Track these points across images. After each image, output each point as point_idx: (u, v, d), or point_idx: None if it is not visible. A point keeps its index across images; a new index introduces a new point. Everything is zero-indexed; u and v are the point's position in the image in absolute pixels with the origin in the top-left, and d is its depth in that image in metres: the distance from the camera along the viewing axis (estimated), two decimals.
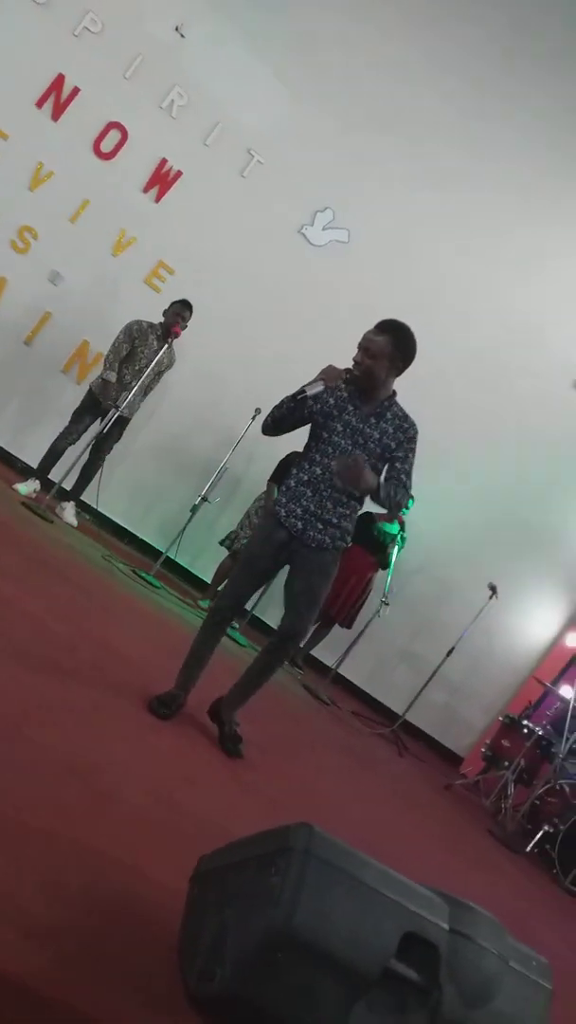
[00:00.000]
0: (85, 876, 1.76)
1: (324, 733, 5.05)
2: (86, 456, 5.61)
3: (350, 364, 3.04)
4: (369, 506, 3.41)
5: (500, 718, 6.41)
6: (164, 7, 6.23)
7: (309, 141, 6.48)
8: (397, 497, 3.01)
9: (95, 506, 6.01)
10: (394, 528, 6.16)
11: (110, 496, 6.08)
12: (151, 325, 5.68)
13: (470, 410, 6.92)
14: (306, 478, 3.06)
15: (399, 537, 6.14)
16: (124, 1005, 1.48)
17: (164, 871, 1.95)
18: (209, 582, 6.21)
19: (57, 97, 6.14)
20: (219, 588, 5.93)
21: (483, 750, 6.28)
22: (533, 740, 5.82)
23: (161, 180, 6.39)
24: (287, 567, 3.16)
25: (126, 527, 6.52)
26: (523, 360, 6.97)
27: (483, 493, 6.97)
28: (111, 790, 2.21)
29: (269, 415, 3.09)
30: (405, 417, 3.07)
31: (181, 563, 6.40)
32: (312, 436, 3.10)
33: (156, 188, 6.39)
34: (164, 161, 6.37)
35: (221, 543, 6.05)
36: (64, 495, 5.68)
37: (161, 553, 5.87)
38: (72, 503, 5.74)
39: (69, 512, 5.70)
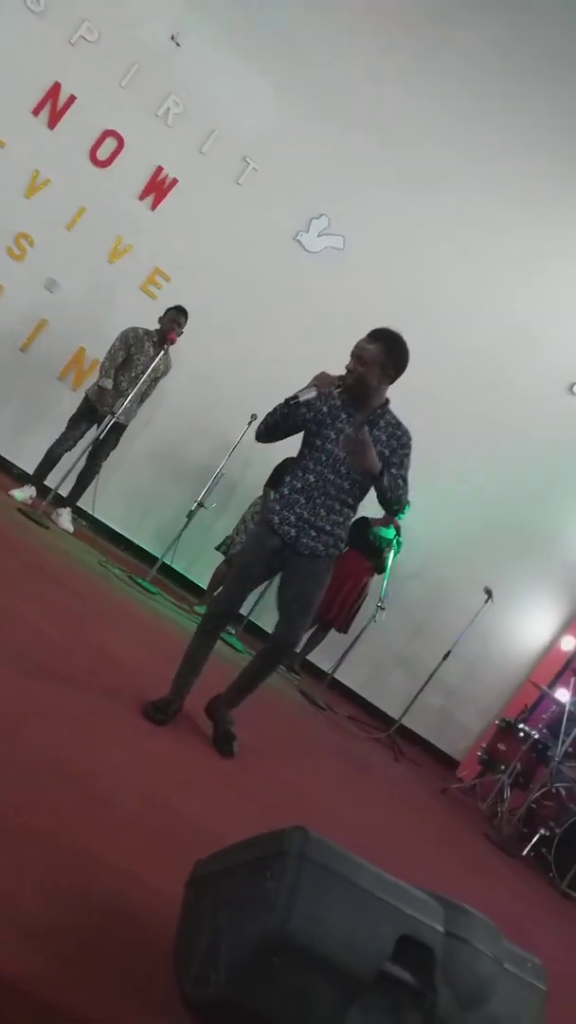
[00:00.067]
0: (81, 880, 1.76)
1: (320, 738, 5.05)
2: (82, 462, 5.62)
3: (343, 371, 3.05)
4: (364, 510, 3.43)
5: (496, 722, 6.42)
6: (160, 16, 6.26)
7: (304, 148, 6.51)
8: (398, 491, 3.02)
9: (91, 512, 6.03)
10: (390, 533, 6.17)
11: (106, 502, 6.09)
12: (147, 332, 5.70)
13: (466, 415, 6.94)
14: (299, 485, 3.08)
15: (395, 541, 6.16)
16: (121, 1008, 1.49)
17: (160, 876, 1.96)
18: (205, 588, 6.22)
19: (53, 105, 6.17)
20: (215, 593, 5.94)
21: (479, 754, 6.28)
22: (529, 744, 5.83)
23: (157, 188, 6.41)
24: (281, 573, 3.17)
25: (122, 533, 6.52)
26: (519, 364, 7.00)
27: (479, 497, 6.99)
28: (107, 795, 2.21)
29: (262, 422, 3.11)
30: (398, 425, 3.09)
31: (177, 569, 6.41)
32: (305, 444, 3.12)
33: (152, 195, 6.42)
34: (160, 169, 6.39)
35: (217, 548, 6.06)
36: (60, 501, 5.69)
37: (157, 559, 5.88)
38: (68, 509, 5.75)
39: (65, 518, 5.71)
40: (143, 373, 5.50)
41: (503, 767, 5.87)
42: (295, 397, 2.99)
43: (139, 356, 5.63)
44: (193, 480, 6.27)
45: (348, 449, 2.92)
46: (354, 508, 3.16)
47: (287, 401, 3.01)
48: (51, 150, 6.18)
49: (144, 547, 6.49)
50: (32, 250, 6.23)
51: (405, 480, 3.08)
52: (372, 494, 3.17)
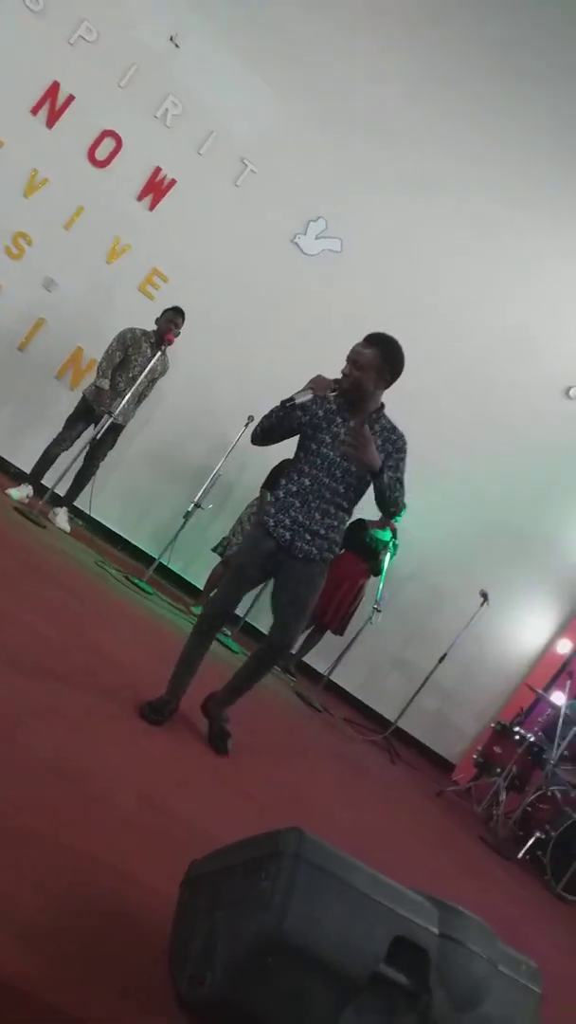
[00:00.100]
0: (78, 879, 1.76)
1: (316, 740, 5.05)
2: (79, 462, 5.62)
3: (339, 375, 3.06)
4: (361, 512, 3.43)
5: (492, 725, 6.42)
6: (159, 16, 6.27)
7: (302, 151, 6.52)
8: (397, 491, 3.03)
9: (88, 512, 6.02)
10: (386, 535, 6.18)
11: (103, 502, 6.09)
12: (144, 333, 5.70)
13: (463, 417, 6.95)
14: (295, 489, 3.09)
15: (391, 544, 6.16)
16: (116, 1008, 1.49)
17: (155, 876, 1.96)
18: (202, 588, 6.22)
19: (52, 105, 6.17)
20: (211, 594, 5.94)
21: (475, 757, 6.29)
22: (525, 747, 5.83)
23: (155, 188, 6.42)
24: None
25: (119, 533, 6.52)
26: (516, 368, 7.01)
27: (476, 500, 7.00)
28: (103, 795, 2.21)
29: (259, 425, 3.12)
30: (393, 429, 3.10)
31: (174, 569, 6.41)
32: (301, 447, 3.12)
33: (150, 196, 6.42)
34: (158, 169, 6.40)
35: (214, 550, 6.06)
36: (57, 501, 5.68)
37: (154, 559, 5.87)
38: (65, 509, 5.75)
39: (62, 518, 5.70)
40: (140, 374, 5.50)
41: (499, 770, 5.88)
42: (291, 399, 2.99)
43: (136, 357, 5.63)
44: (190, 481, 6.26)
45: (350, 441, 2.92)
46: (349, 512, 3.17)
47: (283, 403, 3.01)
48: (50, 150, 6.17)
49: (141, 547, 6.49)
50: (30, 249, 6.23)
51: (401, 483, 3.09)
52: (366, 498, 3.18)
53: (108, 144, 6.29)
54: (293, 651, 6.27)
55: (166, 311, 5.73)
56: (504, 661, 7.30)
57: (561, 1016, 2.72)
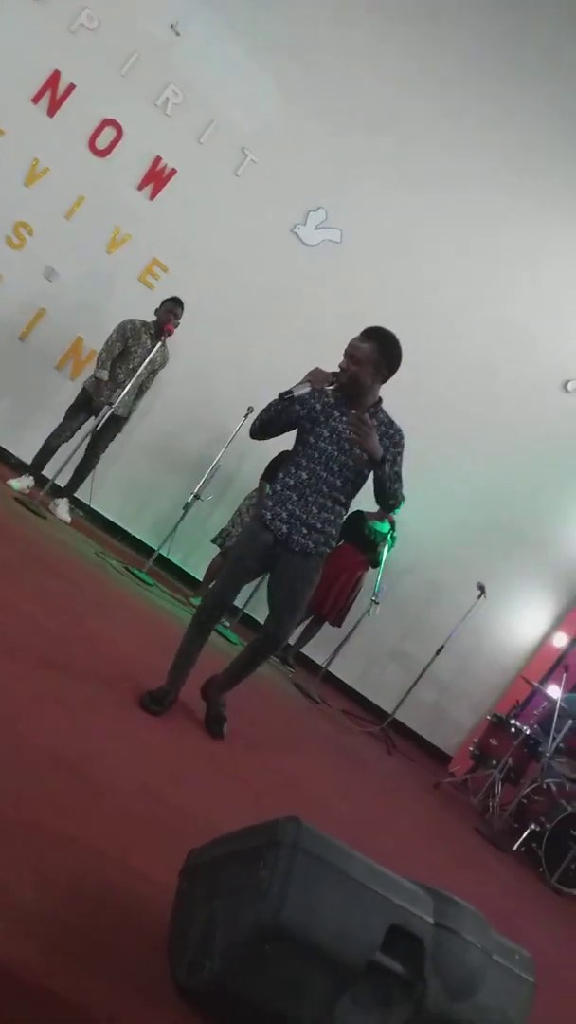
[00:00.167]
0: (75, 869, 1.78)
1: (314, 731, 5.08)
2: (80, 453, 5.62)
3: (337, 368, 3.06)
4: (359, 504, 3.44)
5: (488, 717, 6.45)
6: (160, 5, 6.23)
7: (302, 141, 6.49)
8: (396, 483, 3.05)
9: (89, 503, 6.03)
10: (385, 527, 6.19)
11: (104, 493, 6.09)
12: (144, 324, 5.69)
13: (461, 411, 6.95)
14: (292, 482, 3.10)
15: (390, 536, 6.17)
16: (114, 995, 1.50)
17: (153, 865, 1.97)
18: (201, 579, 6.24)
19: (53, 93, 6.14)
20: (211, 585, 5.95)
21: (471, 749, 6.32)
22: (520, 739, 5.86)
23: (156, 178, 6.39)
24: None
25: (119, 524, 6.52)
26: (514, 361, 7.01)
27: (473, 493, 7.01)
28: (103, 784, 2.23)
29: (257, 418, 3.13)
30: (391, 423, 3.11)
31: (174, 560, 6.42)
32: (299, 441, 3.14)
33: (151, 186, 6.39)
34: (159, 159, 6.37)
35: (213, 541, 6.07)
36: (58, 491, 5.69)
37: (154, 550, 5.88)
38: (66, 499, 5.75)
39: (62, 508, 5.71)
40: (140, 365, 5.49)
41: (495, 762, 5.91)
42: (289, 392, 3.00)
43: (136, 348, 5.63)
44: (190, 472, 6.27)
45: (353, 429, 2.93)
46: (346, 506, 3.19)
47: (281, 396, 3.02)
48: (50, 139, 6.15)
49: (141, 538, 6.49)
50: (31, 239, 6.21)
51: (399, 477, 3.11)
52: (365, 491, 3.19)
53: (109, 133, 6.27)
54: (291, 642, 6.29)
55: (165, 301, 5.71)
56: (501, 654, 7.32)
57: (553, 1007, 2.75)
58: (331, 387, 3.04)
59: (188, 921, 1.67)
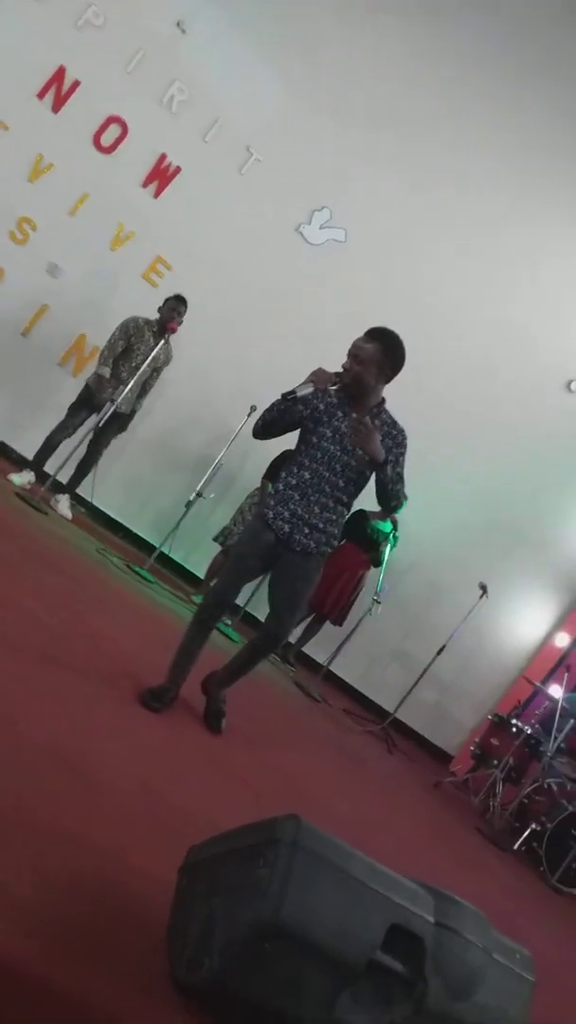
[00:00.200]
0: (75, 866, 1.78)
1: (315, 730, 5.07)
2: (82, 449, 5.62)
3: (340, 368, 3.06)
4: (362, 503, 3.43)
5: (489, 717, 6.45)
6: (166, 2, 6.22)
7: (307, 140, 6.48)
8: (398, 485, 3.06)
9: (91, 499, 6.02)
10: (387, 526, 6.18)
11: (106, 490, 6.09)
12: (147, 321, 5.68)
13: (464, 411, 6.94)
14: (294, 482, 3.10)
15: (392, 536, 6.17)
16: (114, 993, 1.50)
17: (153, 863, 1.97)
18: (202, 577, 6.23)
19: (58, 89, 6.13)
20: (212, 583, 5.95)
21: (472, 748, 6.31)
22: (522, 739, 5.85)
23: (160, 175, 6.39)
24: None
25: (121, 521, 6.52)
26: (517, 361, 6.99)
27: (476, 493, 7.00)
28: (103, 781, 2.22)
29: (260, 418, 3.13)
30: (394, 424, 3.11)
31: (175, 558, 6.41)
32: (302, 441, 3.14)
33: (155, 183, 6.39)
34: (163, 156, 6.36)
35: (215, 539, 6.07)
36: (59, 487, 5.69)
37: (155, 548, 5.88)
38: (67, 496, 5.75)
39: (64, 505, 5.71)
40: (143, 362, 5.48)
41: (496, 762, 5.90)
42: (292, 392, 3.00)
43: (139, 346, 5.62)
44: (192, 470, 6.26)
45: (354, 431, 2.93)
46: (348, 506, 3.20)
47: (284, 396, 3.02)
48: (55, 135, 6.14)
49: (142, 536, 6.49)
50: (34, 235, 6.21)
51: (401, 478, 3.12)
52: (368, 490, 3.19)
53: (114, 130, 6.26)
54: (292, 641, 6.28)
55: (168, 299, 5.70)
56: (502, 653, 7.31)
57: (554, 1006, 2.75)
58: (334, 387, 3.04)
59: (187, 918, 1.67)
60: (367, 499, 3.33)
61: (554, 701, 6.05)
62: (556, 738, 5.74)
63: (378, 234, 6.66)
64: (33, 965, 1.41)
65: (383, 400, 3.13)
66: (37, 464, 5.68)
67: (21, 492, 5.34)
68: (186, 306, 5.68)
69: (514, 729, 5.95)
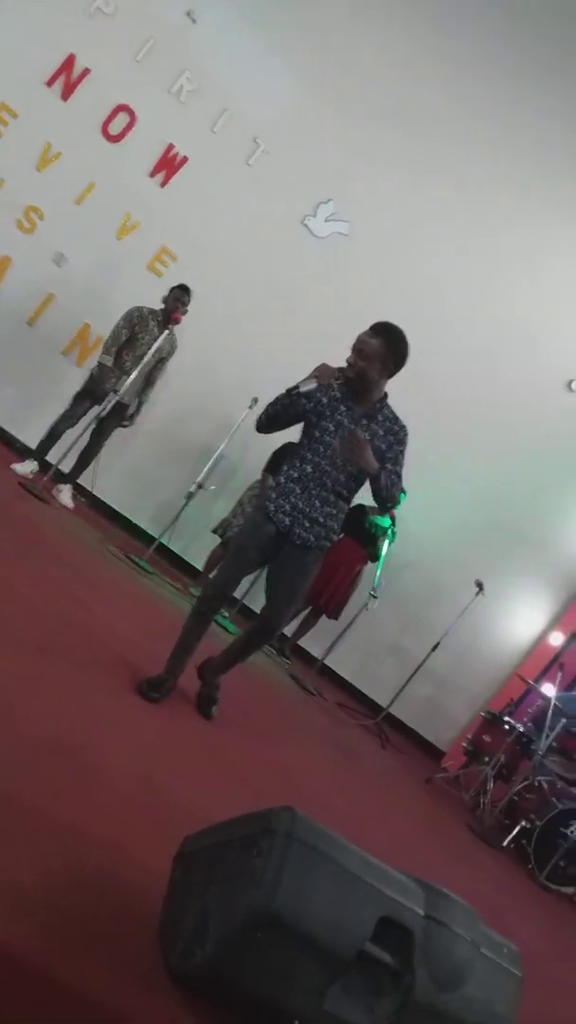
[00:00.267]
0: (70, 853, 1.80)
1: (309, 723, 5.10)
2: (84, 439, 5.63)
3: (344, 362, 3.07)
4: (361, 498, 3.46)
5: (482, 714, 6.48)
6: None
7: (315, 133, 6.48)
8: (393, 490, 3.08)
9: (91, 490, 6.04)
10: (385, 522, 6.19)
11: (107, 481, 6.10)
12: (151, 311, 5.68)
13: (463, 408, 6.95)
14: (296, 475, 3.12)
15: (390, 531, 6.19)
16: (106, 978, 1.53)
17: (151, 853, 1.99)
18: (201, 569, 6.25)
19: (67, 77, 6.13)
20: (210, 575, 5.97)
21: (464, 745, 6.35)
22: (514, 737, 5.89)
23: (168, 165, 6.38)
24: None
25: (121, 512, 6.54)
26: (519, 360, 7.00)
27: (475, 491, 7.02)
28: (100, 771, 2.25)
29: (263, 412, 3.14)
30: (396, 420, 3.12)
31: (174, 550, 6.43)
32: (304, 434, 3.15)
33: (162, 173, 6.39)
34: (171, 146, 6.36)
35: (214, 531, 6.08)
36: (61, 477, 5.70)
37: (155, 539, 5.90)
38: (69, 486, 5.77)
39: (65, 494, 5.72)
40: (147, 352, 5.49)
41: (487, 759, 5.94)
42: (296, 388, 3.02)
43: (143, 335, 5.62)
44: (193, 462, 6.28)
45: (345, 448, 2.96)
46: (349, 501, 3.21)
47: (288, 391, 3.04)
48: (64, 123, 6.14)
49: (142, 527, 6.51)
50: (41, 223, 6.21)
51: (399, 475, 3.14)
52: (366, 486, 3.21)
53: (122, 119, 6.26)
54: (288, 634, 6.31)
55: (172, 289, 5.70)
56: (497, 651, 7.35)
57: (539, 1001, 2.78)
58: (338, 381, 3.05)
59: (182, 907, 1.69)
60: (366, 494, 3.34)
61: (546, 699, 6.08)
62: (547, 736, 5.77)
63: (382, 229, 6.66)
64: (33, 955, 1.43)
65: (386, 395, 3.15)
66: (40, 453, 5.69)
67: (24, 481, 5.36)
68: (190, 296, 5.68)
69: (506, 726, 5.99)
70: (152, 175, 6.39)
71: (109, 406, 5.49)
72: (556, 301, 7.05)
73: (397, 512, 6.09)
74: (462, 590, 6.53)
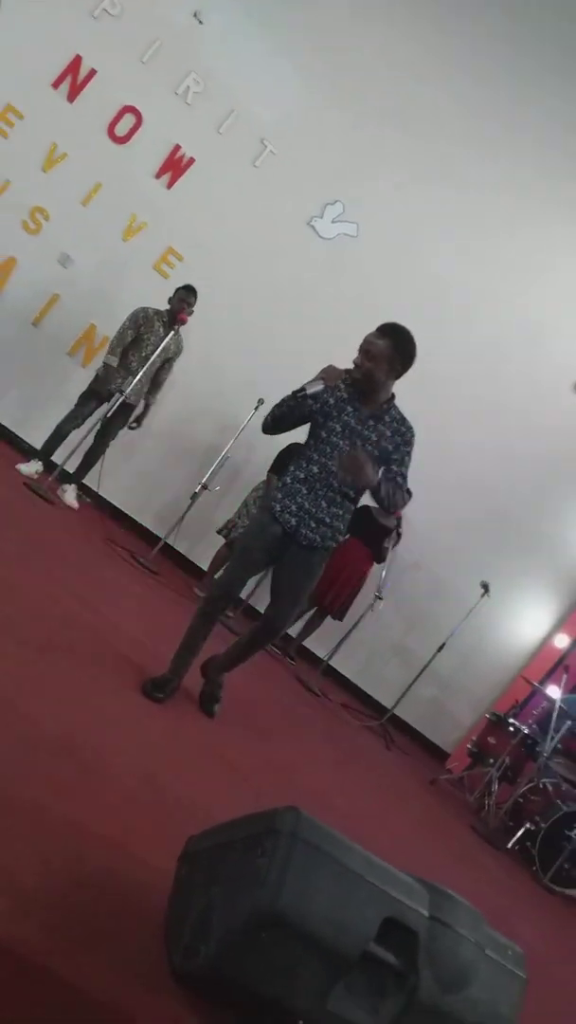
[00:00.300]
0: (72, 852, 1.80)
1: (314, 724, 5.10)
2: (89, 440, 5.64)
3: (351, 363, 3.07)
4: (367, 499, 3.45)
5: (487, 716, 6.47)
6: None
7: (321, 134, 6.48)
8: (395, 497, 3.07)
9: (96, 490, 6.05)
10: (391, 522, 6.19)
11: (112, 481, 6.11)
12: (157, 312, 5.69)
13: (469, 409, 6.93)
14: (302, 476, 3.12)
15: (395, 532, 6.18)
16: (108, 977, 1.53)
17: (151, 850, 2.00)
18: (206, 570, 6.25)
19: (73, 79, 6.13)
20: (215, 576, 5.97)
21: (469, 746, 6.34)
22: (519, 739, 5.88)
23: (174, 166, 6.39)
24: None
25: (126, 512, 6.54)
26: (523, 360, 6.99)
27: (480, 492, 7.01)
28: (104, 770, 2.25)
29: (269, 414, 3.14)
30: (403, 420, 3.12)
31: (179, 550, 6.44)
32: (311, 435, 3.15)
33: (168, 174, 6.39)
34: (177, 147, 6.37)
35: (219, 532, 6.09)
36: (66, 477, 5.71)
37: (159, 539, 5.90)
38: (74, 486, 5.77)
39: (70, 494, 5.73)
40: (153, 353, 5.50)
41: (492, 760, 5.93)
42: (302, 390, 3.02)
43: (149, 336, 5.63)
44: (198, 463, 6.28)
45: (344, 467, 2.96)
46: (355, 501, 3.21)
47: (294, 394, 3.04)
48: (70, 124, 6.14)
49: (147, 527, 6.51)
50: (47, 224, 6.22)
51: (404, 477, 3.13)
52: None
53: (128, 120, 6.26)
54: (293, 635, 6.31)
55: (178, 290, 5.70)
56: (502, 652, 7.34)
57: (542, 1004, 2.78)
58: (345, 383, 3.06)
59: (186, 907, 1.69)
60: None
61: (552, 702, 6.07)
62: (552, 738, 5.76)
63: (389, 230, 6.65)
64: (34, 954, 1.43)
65: (393, 396, 3.14)
66: (45, 454, 5.70)
67: (29, 481, 5.37)
68: (196, 297, 5.69)
69: (511, 728, 5.98)
70: (158, 176, 6.39)
71: (114, 406, 5.50)
72: (562, 302, 7.04)
73: (403, 512, 6.09)
74: (467, 591, 6.52)
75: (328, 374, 3.03)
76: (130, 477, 6.46)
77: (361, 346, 3.04)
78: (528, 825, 5.32)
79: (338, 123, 6.48)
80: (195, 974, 1.58)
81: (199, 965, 1.56)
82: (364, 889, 1.55)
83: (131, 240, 6.36)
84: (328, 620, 6.36)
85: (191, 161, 6.40)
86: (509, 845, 5.28)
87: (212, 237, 6.40)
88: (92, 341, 6.35)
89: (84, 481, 5.91)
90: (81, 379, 5.93)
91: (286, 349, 6.14)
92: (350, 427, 3.06)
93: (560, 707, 5.86)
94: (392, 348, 3.00)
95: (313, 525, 3.11)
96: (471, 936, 1.64)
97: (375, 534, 6.18)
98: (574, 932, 4.83)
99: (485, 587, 6.41)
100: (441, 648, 6.29)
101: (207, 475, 5.70)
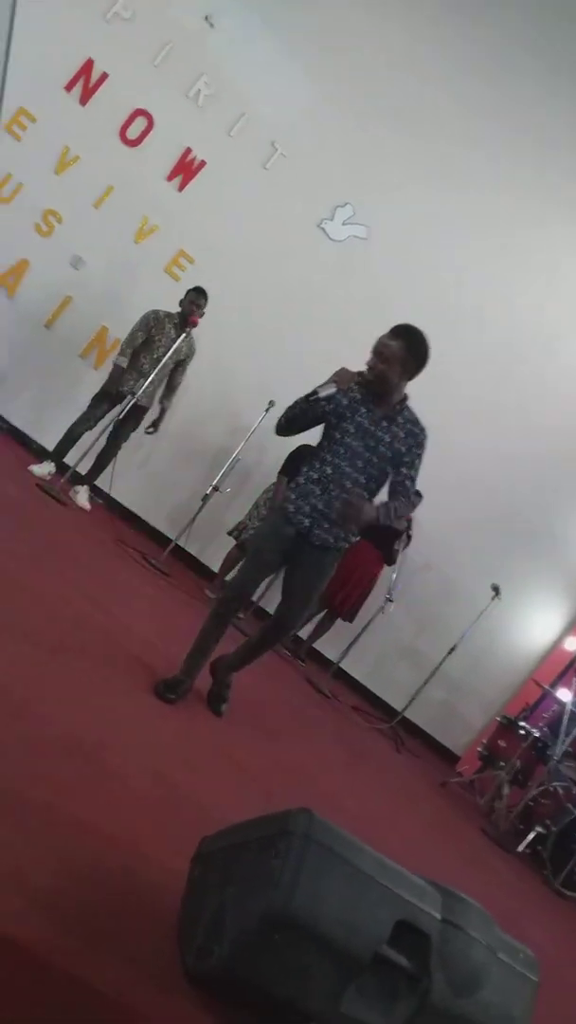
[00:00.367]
0: (88, 852, 1.81)
1: (324, 726, 5.10)
2: (102, 441, 5.66)
3: (364, 363, 3.08)
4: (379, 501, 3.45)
5: (498, 719, 6.45)
6: None
7: (331, 136, 6.49)
8: (399, 513, 3.09)
9: (108, 491, 6.07)
10: (401, 524, 6.19)
11: (123, 483, 6.13)
12: (168, 314, 5.70)
13: (480, 410, 6.91)
14: (316, 476, 3.13)
15: (406, 534, 6.18)
16: (123, 977, 1.53)
17: (162, 850, 2.00)
18: (217, 571, 6.27)
19: (86, 82, 6.17)
20: (226, 578, 5.98)
21: (479, 749, 6.32)
22: (529, 742, 5.86)
23: (185, 169, 6.41)
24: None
25: (138, 513, 6.56)
26: (535, 361, 6.97)
27: (491, 494, 6.99)
28: (116, 771, 2.26)
29: (283, 415, 3.15)
30: (416, 422, 3.12)
31: (190, 552, 6.45)
32: (325, 436, 3.16)
33: (180, 177, 6.41)
34: (189, 150, 6.39)
35: (229, 533, 6.10)
36: (78, 479, 5.73)
37: (171, 541, 5.92)
38: (86, 487, 5.80)
39: (82, 496, 5.75)
40: (165, 355, 5.51)
41: (502, 764, 5.91)
42: (315, 393, 3.02)
43: (160, 338, 5.64)
44: (209, 464, 6.30)
45: (343, 518, 2.99)
46: (368, 502, 3.19)
47: (307, 397, 3.04)
48: (82, 127, 6.18)
49: (158, 528, 6.53)
50: (59, 227, 6.25)
51: (413, 480, 3.14)
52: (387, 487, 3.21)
53: (140, 123, 6.29)
54: (304, 637, 6.32)
55: (189, 292, 5.70)
56: (513, 655, 7.32)
57: (556, 1005, 2.77)
58: (357, 384, 3.06)
59: (199, 907, 1.70)
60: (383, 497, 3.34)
61: (562, 705, 6.05)
62: (563, 742, 5.74)
63: (399, 232, 6.65)
64: (47, 953, 1.43)
65: (406, 397, 3.14)
66: (57, 455, 5.72)
67: (41, 483, 5.39)
68: (206, 299, 5.69)
69: (522, 731, 5.96)
70: (170, 179, 6.41)
71: (127, 408, 5.51)
72: (574, 302, 7.01)
73: (414, 515, 6.08)
74: (478, 594, 6.51)
75: (340, 377, 3.03)
76: (141, 479, 6.48)
77: (374, 348, 3.04)
78: (539, 829, 5.30)
79: (348, 125, 6.49)
80: (208, 975, 1.58)
81: (212, 966, 1.56)
82: (376, 891, 1.55)
83: (143, 243, 6.39)
84: (338, 622, 6.36)
85: (202, 164, 6.42)
86: (519, 848, 5.26)
87: (223, 240, 6.41)
88: (104, 343, 6.38)
89: (96, 483, 5.93)
90: (93, 381, 5.96)
91: (296, 351, 6.16)
92: (363, 428, 3.07)
93: (571, 710, 5.84)
94: (405, 350, 3.01)
95: (326, 526, 3.12)
96: (483, 939, 1.64)
97: (385, 536, 6.16)
98: None
99: (496, 590, 6.39)
100: (452, 651, 6.28)
101: (218, 477, 5.71)
